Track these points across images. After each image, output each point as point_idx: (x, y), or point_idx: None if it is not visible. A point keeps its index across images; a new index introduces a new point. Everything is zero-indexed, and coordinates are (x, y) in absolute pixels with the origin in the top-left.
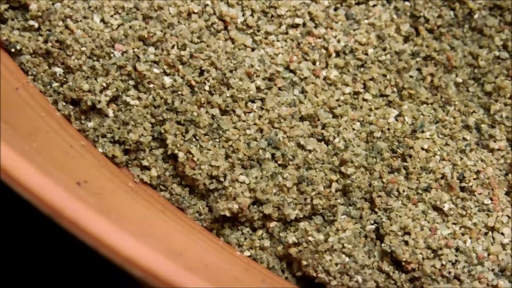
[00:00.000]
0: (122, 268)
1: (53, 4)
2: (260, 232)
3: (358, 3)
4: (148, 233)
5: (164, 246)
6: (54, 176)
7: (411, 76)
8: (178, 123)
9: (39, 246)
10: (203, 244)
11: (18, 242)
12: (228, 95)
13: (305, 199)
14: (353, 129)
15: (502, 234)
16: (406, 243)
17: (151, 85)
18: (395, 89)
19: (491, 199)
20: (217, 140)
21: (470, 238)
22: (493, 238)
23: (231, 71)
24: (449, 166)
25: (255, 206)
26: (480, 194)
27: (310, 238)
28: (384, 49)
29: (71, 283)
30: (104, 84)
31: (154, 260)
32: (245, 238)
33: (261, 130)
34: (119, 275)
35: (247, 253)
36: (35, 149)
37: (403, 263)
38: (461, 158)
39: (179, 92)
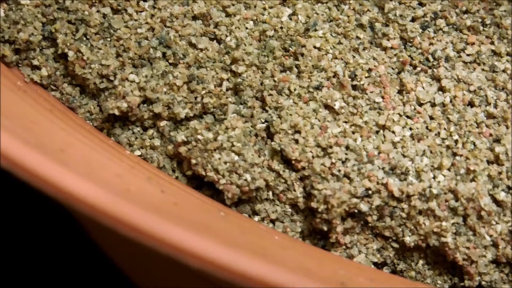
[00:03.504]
0: None
1: None
2: (150, 131)
3: None
4: (28, 129)
5: (44, 142)
6: None
7: None
8: (69, 22)
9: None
10: (89, 142)
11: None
12: None
13: (196, 97)
14: (246, 28)
15: (393, 132)
16: (296, 141)
17: None
18: None
19: (382, 97)
20: (108, 39)
21: (361, 136)
22: (384, 136)
23: None
24: (341, 64)
25: (145, 105)
26: (371, 92)
27: (199, 136)
28: None
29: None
30: None
31: (24, 153)
32: (136, 138)
33: (152, 29)
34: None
35: (138, 153)
36: None
37: (293, 162)
38: (354, 57)
39: None
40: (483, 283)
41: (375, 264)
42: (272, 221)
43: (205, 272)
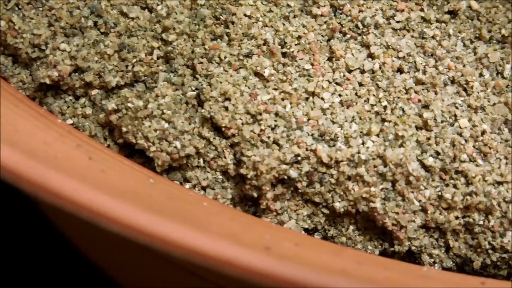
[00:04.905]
0: None
1: None
2: (82, 100)
3: None
4: None
5: None
6: None
7: None
8: None
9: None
10: (19, 111)
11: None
12: None
13: (127, 66)
14: None
15: (322, 99)
16: (226, 108)
17: None
18: None
19: (312, 64)
20: (40, 8)
21: (290, 103)
22: (313, 103)
23: None
24: (271, 32)
25: (76, 74)
26: (301, 59)
27: (129, 104)
28: None
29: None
30: None
31: None
32: (68, 107)
33: None
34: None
35: (70, 121)
36: None
37: (223, 129)
38: (284, 24)
39: None
40: (413, 248)
41: (306, 230)
42: (203, 188)
43: (127, 238)
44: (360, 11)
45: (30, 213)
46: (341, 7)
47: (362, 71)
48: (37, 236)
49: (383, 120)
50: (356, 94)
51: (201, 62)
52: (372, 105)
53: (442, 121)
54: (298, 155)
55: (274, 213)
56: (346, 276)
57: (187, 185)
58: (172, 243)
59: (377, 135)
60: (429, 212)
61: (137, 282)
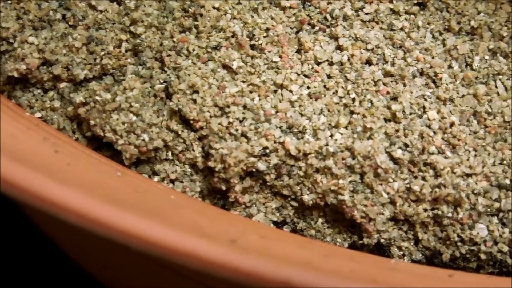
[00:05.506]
0: None
1: None
2: (51, 93)
3: None
4: None
5: None
6: None
7: None
8: None
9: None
10: None
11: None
12: None
13: (95, 59)
14: None
15: (291, 91)
16: (194, 101)
17: None
18: None
19: (280, 56)
20: (9, 1)
21: (258, 95)
22: (282, 95)
23: None
24: (239, 24)
25: (44, 67)
26: (269, 52)
27: (97, 97)
28: None
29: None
30: None
31: None
32: (36, 100)
33: None
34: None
35: (38, 114)
36: None
37: (191, 121)
38: (252, 17)
39: None
40: (382, 240)
41: (275, 223)
42: (172, 181)
43: (91, 231)
44: (329, 3)
45: (16, 215)
46: None
47: (331, 63)
48: (22, 238)
49: (352, 112)
50: (324, 86)
51: (169, 55)
52: (340, 97)
53: (410, 113)
54: (266, 147)
55: (243, 206)
56: (311, 268)
57: (156, 178)
58: (133, 235)
59: (346, 127)
60: (397, 204)
61: (123, 283)
